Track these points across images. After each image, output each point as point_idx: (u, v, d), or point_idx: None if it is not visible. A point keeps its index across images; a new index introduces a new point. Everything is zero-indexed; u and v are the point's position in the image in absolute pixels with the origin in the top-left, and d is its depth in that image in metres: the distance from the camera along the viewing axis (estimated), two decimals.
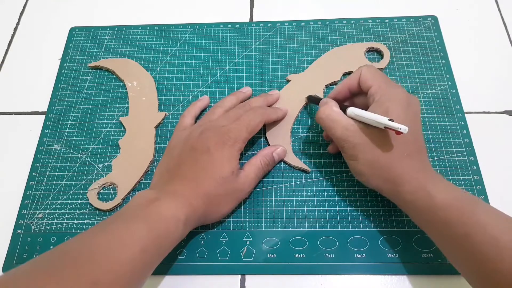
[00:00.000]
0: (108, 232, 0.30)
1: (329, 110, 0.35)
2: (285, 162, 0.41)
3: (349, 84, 0.37)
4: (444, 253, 0.32)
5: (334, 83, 0.45)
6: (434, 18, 0.49)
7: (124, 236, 0.29)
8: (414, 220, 0.33)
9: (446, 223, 0.30)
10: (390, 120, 0.31)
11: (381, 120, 0.31)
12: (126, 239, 0.29)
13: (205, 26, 0.50)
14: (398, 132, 0.30)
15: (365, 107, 0.34)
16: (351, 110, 0.34)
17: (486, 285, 0.28)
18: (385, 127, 0.31)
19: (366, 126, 0.33)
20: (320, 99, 0.39)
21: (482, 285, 0.29)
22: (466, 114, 0.43)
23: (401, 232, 0.37)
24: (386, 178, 0.33)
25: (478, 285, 0.29)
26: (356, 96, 0.39)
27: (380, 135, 0.33)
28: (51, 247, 0.38)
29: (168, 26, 0.51)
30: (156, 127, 0.44)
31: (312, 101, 0.42)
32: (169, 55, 0.48)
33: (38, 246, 0.38)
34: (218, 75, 0.47)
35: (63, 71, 0.48)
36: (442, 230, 0.30)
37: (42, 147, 0.43)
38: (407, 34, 0.48)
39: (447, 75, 0.45)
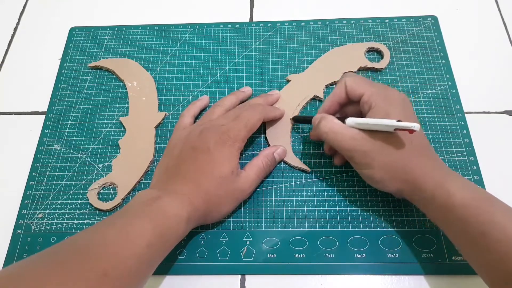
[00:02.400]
0: (115, 227, 0.30)
1: (331, 123, 0.35)
2: (285, 162, 0.41)
3: (337, 97, 0.37)
4: (460, 251, 0.32)
5: (334, 83, 0.45)
6: (434, 18, 0.49)
7: (131, 231, 0.29)
8: (431, 218, 0.33)
9: (464, 221, 0.30)
10: (398, 121, 0.30)
11: (390, 123, 0.30)
12: (133, 234, 0.29)
13: (205, 26, 0.50)
14: (411, 131, 0.30)
15: (358, 116, 0.34)
16: (352, 120, 0.34)
17: (502, 284, 0.28)
18: (395, 129, 0.31)
19: (371, 132, 0.33)
20: (310, 117, 0.38)
21: (498, 284, 0.29)
22: (466, 114, 0.43)
23: (401, 232, 0.37)
24: (405, 179, 0.33)
25: (494, 284, 0.29)
26: (345, 107, 0.38)
27: (391, 138, 0.32)
28: None
29: (168, 26, 0.51)
30: (156, 127, 0.44)
31: (300, 121, 0.41)
32: (169, 55, 0.48)
33: (38, 246, 0.38)
34: (218, 75, 0.47)
35: (63, 71, 0.48)
36: (459, 228, 0.30)
37: (42, 147, 0.43)
38: (407, 34, 0.48)
39: (447, 75, 0.45)
